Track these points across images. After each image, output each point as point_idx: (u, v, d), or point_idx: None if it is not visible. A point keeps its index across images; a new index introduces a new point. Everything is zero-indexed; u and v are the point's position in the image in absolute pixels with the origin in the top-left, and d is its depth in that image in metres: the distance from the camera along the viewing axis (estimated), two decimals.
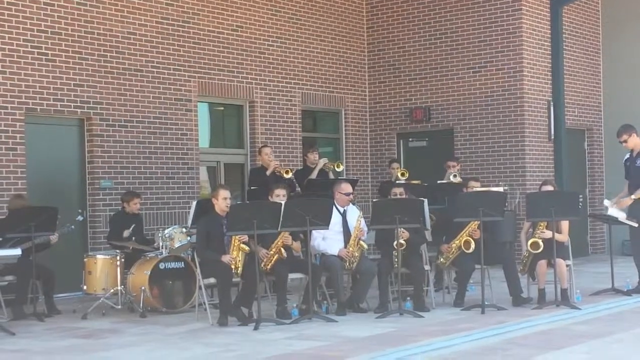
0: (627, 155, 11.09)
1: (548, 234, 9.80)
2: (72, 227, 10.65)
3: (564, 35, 15.52)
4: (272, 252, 9.42)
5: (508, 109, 14.94)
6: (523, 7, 14.82)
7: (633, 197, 10.71)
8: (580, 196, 11.05)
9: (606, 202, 11.17)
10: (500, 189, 11.57)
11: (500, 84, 15.01)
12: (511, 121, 14.91)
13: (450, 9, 15.44)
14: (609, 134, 16.72)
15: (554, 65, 15.30)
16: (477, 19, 15.19)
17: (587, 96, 16.52)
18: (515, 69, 14.87)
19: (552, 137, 15.24)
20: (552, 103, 15.26)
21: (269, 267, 9.43)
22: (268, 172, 11.87)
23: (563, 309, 9.58)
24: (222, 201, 9.46)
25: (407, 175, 12.67)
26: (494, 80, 15.06)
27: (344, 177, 12.79)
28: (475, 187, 10.86)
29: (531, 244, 9.89)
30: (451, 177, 12.38)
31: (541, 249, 9.81)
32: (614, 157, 16.58)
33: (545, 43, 15.25)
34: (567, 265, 9.99)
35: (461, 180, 12.07)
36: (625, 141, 10.94)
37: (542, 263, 9.89)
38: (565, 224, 10.18)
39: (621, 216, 10.88)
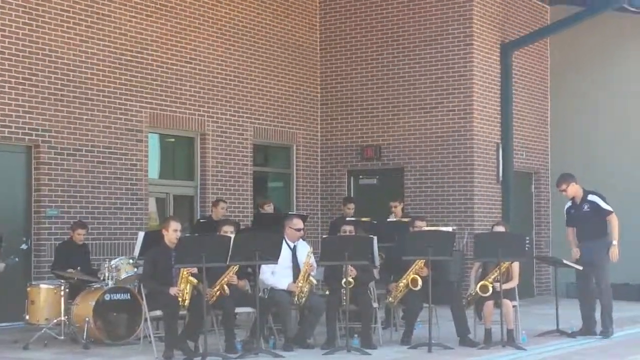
0: (569, 204, 11.20)
1: (498, 286, 9.82)
2: (17, 259, 10.44)
3: (513, 79, 15.77)
4: (214, 290, 9.32)
5: (458, 149, 15.10)
6: (474, 51, 15.05)
7: (614, 242, 10.74)
8: (527, 238, 11.18)
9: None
10: (449, 229, 11.64)
11: (451, 125, 15.17)
12: (461, 162, 15.06)
13: (403, 49, 15.61)
14: (555, 178, 16.91)
15: (503, 108, 15.54)
16: (429, 60, 15.37)
17: (534, 140, 16.78)
18: (465, 110, 15.06)
19: (500, 179, 15.42)
20: (500, 146, 15.46)
21: (211, 302, 9.31)
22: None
23: (509, 349, 9.63)
24: (173, 233, 9.36)
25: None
26: (445, 122, 15.22)
27: (294, 212, 12.80)
28: (421, 226, 10.90)
29: (481, 287, 9.93)
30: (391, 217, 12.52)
31: (489, 293, 9.86)
32: (560, 200, 16.80)
33: (495, 86, 15.49)
34: (513, 306, 10.05)
35: (408, 219, 12.12)
36: (565, 190, 11.11)
37: (489, 304, 9.94)
38: (516, 270, 10.24)
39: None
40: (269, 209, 12.54)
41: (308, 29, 16.15)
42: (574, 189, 11.05)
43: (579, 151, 16.68)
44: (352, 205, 13.53)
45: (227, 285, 9.36)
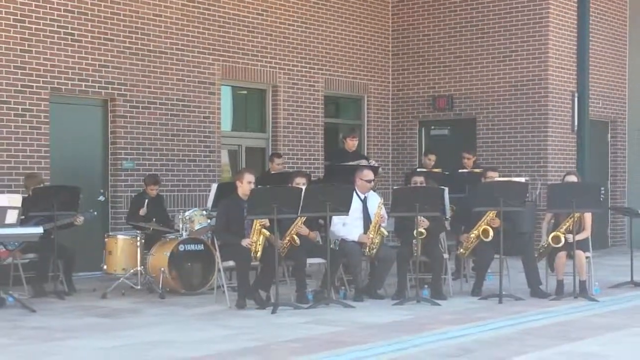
0: None
1: (570, 237, 9.71)
2: (95, 213, 10.72)
3: (590, 26, 15.40)
4: (285, 241, 9.45)
5: (532, 99, 14.87)
6: None
7: None
8: (602, 188, 10.98)
9: None
10: (522, 180, 11.52)
11: (525, 73, 14.94)
12: (534, 111, 14.84)
13: None
14: (633, 127, 16.62)
15: (579, 56, 15.19)
16: (503, 7, 15.10)
17: (612, 88, 16.41)
18: (540, 59, 14.79)
19: (576, 128, 15.16)
20: (576, 94, 15.16)
21: (283, 254, 9.46)
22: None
23: (581, 300, 9.56)
24: (247, 185, 9.46)
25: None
26: (519, 70, 14.99)
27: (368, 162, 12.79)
28: (493, 176, 10.81)
29: (553, 238, 9.84)
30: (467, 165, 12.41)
31: (562, 243, 9.77)
32: (637, 149, 16.49)
33: (572, 33, 15.14)
34: (586, 257, 9.95)
35: (480, 170, 12.03)
36: None
37: (562, 255, 9.86)
38: (589, 220, 10.11)
39: None
40: (352, 143, 12.44)
41: None
42: None
43: None
44: (432, 157, 13.11)
45: (297, 236, 9.47)
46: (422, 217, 9.71)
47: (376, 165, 12.16)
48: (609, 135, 16.64)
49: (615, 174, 16.62)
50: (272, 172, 12.41)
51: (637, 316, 8.85)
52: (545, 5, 14.74)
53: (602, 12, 16.13)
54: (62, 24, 11.61)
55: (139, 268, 10.24)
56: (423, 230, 9.75)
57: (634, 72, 16.65)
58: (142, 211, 10.84)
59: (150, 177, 11.38)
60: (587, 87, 15.27)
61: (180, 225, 10.35)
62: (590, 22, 15.43)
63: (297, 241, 9.47)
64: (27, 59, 11.29)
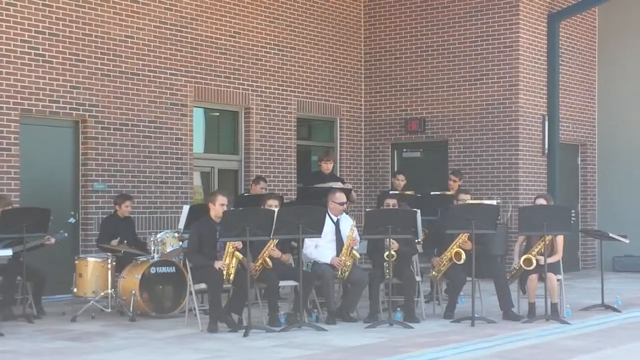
0: None
1: (541, 260, 9.75)
2: (66, 234, 10.63)
3: (560, 50, 15.58)
4: (258, 264, 9.42)
5: (503, 122, 14.98)
6: (520, 22, 14.87)
7: None
8: (573, 211, 11.07)
9: None
10: (494, 202, 11.58)
11: (496, 97, 15.05)
12: (505, 134, 14.94)
13: (447, 21, 15.48)
14: (602, 150, 16.78)
15: (549, 80, 15.36)
16: (475, 31, 15.23)
17: (581, 112, 16.57)
18: (511, 82, 14.91)
19: (546, 151, 15.29)
20: (546, 117, 15.31)
21: (256, 276, 9.42)
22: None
23: (553, 323, 9.60)
24: (220, 207, 9.42)
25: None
26: (490, 94, 15.10)
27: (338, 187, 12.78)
28: (465, 199, 10.85)
29: (524, 260, 9.89)
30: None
31: (533, 266, 9.82)
32: (606, 172, 16.65)
33: (542, 57, 15.30)
34: (557, 280, 10.00)
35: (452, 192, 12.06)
36: None
37: (533, 277, 9.90)
38: (561, 243, 10.16)
39: None
40: (326, 166, 12.42)
41: (352, 1, 16.08)
42: None
43: (627, 122, 16.46)
44: (402, 177, 13.07)
45: (269, 258, 9.44)
46: (392, 240, 9.71)
47: (349, 187, 12.15)
48: (579, 158, 16.78)
49: (586, 197, 16.74)
50: (253, 194, 12.33)
51: (608, 339, 8.89)
52: (515, 30, 14.88)
53: (571, 37, 16.31)
54: (33, 45, 11.54)
55: (109, 291, 10.14)
56: (394, 253, 9.75)
57: (603, 96, 16.83)
58: (114, 242, 10.68)
59: (122, 195, 11.31)
60: (557, 110, 15.42)
61: (152, 248, 10.28)
62: (560, 46, 15.61)
63: (270, 264, 9.44)
64: None
